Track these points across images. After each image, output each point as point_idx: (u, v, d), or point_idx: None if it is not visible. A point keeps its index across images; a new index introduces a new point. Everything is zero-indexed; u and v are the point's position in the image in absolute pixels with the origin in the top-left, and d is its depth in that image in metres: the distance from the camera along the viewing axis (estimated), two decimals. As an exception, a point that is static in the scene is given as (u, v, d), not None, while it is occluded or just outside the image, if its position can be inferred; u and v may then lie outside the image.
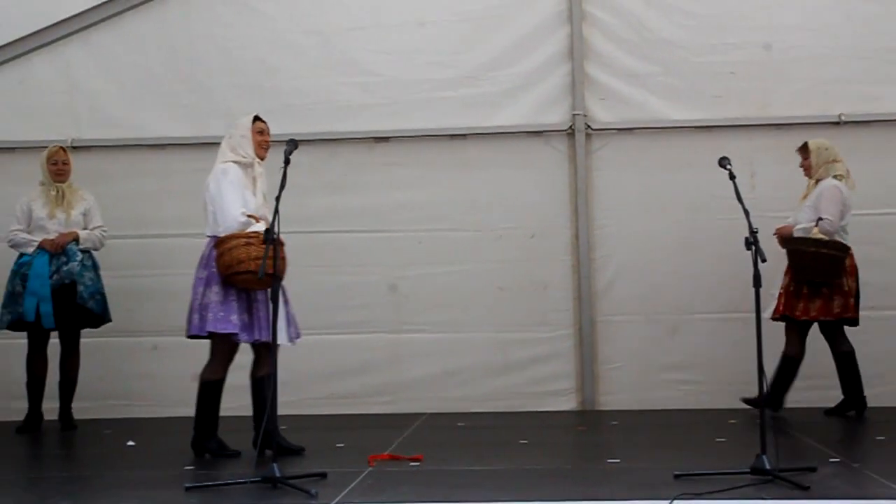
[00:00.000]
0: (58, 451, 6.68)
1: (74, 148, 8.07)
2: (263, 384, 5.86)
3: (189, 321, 5.89)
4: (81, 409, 7.66)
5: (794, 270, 7.05)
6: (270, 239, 5.22)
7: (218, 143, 7.80)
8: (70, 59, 8.18)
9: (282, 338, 5.85)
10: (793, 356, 7.11)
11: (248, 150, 6.03)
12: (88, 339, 7.68)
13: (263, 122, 6.16)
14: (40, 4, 8.13)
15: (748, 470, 4.95)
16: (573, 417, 7.55)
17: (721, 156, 5.69)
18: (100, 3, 8.11)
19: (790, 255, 7.08)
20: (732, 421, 6.82)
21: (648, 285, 7.78)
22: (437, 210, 7.97)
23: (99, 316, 7.42)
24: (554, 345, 7.84)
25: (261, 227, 5.75)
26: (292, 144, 5.50)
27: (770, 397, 6.86)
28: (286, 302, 5.97)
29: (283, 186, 5.29)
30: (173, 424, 7.43)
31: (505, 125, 7.97)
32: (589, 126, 7.91)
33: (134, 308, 7.96)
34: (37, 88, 8.18)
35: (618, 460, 5.62)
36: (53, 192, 7.43)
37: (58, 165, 7.45)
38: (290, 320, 6.03)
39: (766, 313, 6.82)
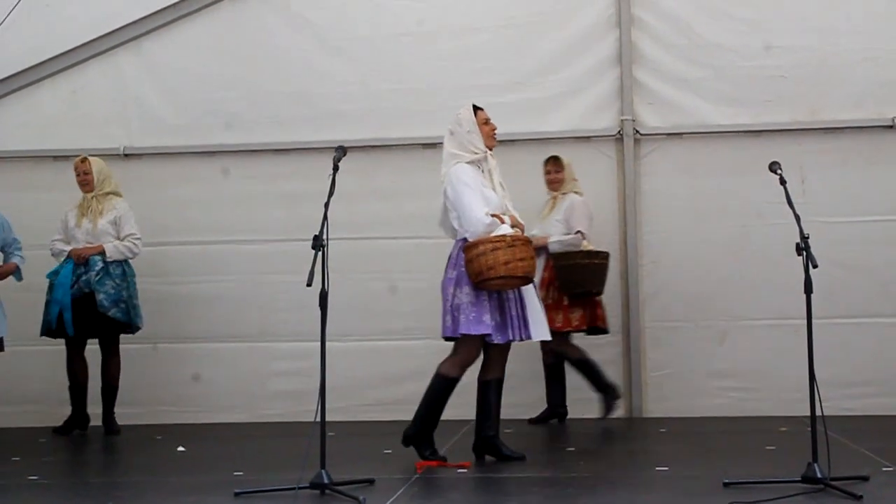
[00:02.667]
0: (108, 457, 6.76)
1: (126, 156, 8.19)
2: (490, 388, 5.91)
3: (442, 323, 5.81)
4: (134, 414, 7.78)
5: (564, 283, 7.20)
6: (319, 245, 5.22)
7: (267, 150, 8.13)
8: (122, 68, 8.30)
9: (542, 333, 5.85)
10: (580, 358, 7.40)
11: (479, 144, 5.91)
12: (138, 345, 7.80)
13: (482, 109, 6.06)
14: (93, 15, 8.24)
15: (799, 478, 4.89)
16: (621, 424, 7.51)
17: (771, 160, 5.63)
18: (151, 12, 8.22)
19: (561, 269, 7.18)
20: (783, 428, 6.75)
21: (696, 291, 7.73)
22: (486, 216, 7.94)
23: (124, 324, 7.48)
24: (602, 351, 7.77)
25: (508, 229, 5.71)
26: (341, 151, 5.51)
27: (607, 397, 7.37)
28: (539, 299, 5.92)
29: (331, 193, 5.30)
30: (222, 430, 7.52)
31: (553, 131, 7.96)
32: (637, 131, 7.88)
33: (187, 315, 8.04)
34: (90, 97, 8.30)
35: (666, 468, 5.58)
36: (82, 202, 7.54)
37: (80, 176, 7.57)
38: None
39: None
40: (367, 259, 7.95)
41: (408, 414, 7.68)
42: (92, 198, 7.58)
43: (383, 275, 8.02)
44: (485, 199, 5.76)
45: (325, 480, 4.93)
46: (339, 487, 4.93)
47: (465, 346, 5.82)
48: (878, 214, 7.60)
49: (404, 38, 8.14)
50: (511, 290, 5.76)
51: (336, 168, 5.40)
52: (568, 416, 7.55)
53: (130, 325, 7.53)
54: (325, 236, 5.21)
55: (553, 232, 7.40)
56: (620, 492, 5.03)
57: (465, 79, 8.02)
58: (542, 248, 7.30)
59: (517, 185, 7.82)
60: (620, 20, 7.90)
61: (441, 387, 5.85)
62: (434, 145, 7.98)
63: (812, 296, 5.14)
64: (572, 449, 6.32)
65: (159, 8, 8.22)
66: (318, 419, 5.00)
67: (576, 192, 7.52)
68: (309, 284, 5.08)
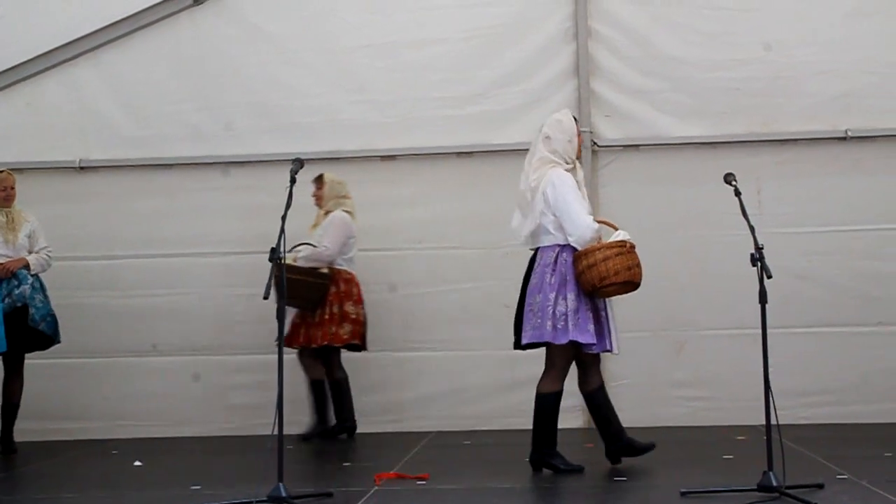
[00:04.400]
0: (63, 472, 6.66)
1: (82, 168, 8.13)
2: (599, 396, 5.91)
3: (538, 328, 5.69)
4: (89, 429, 7.72)
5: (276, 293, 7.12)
6: (276, 258, 5.21)
7: (225, 163, 8.08)
8: (79, 80, 8.23)
9: (610, 345, 5.82)
10: (339, 379, 7.49)
11: (573, 155, 5.88)
12: (101, 360, 7.77)
13: (577, 119, 6.02)
14: (49, 26, 8.17)
15: (755, 487, 4.93)
16: (581, 435, 7.52)
17: (727, 172, 5.68)
18: (109, 23, 8.16)
19: (273, 279, 7.12)
20: (740, 437, 6.80)
21: (655, 302, 7.73)
22: (444, 228, 7.97)
23: (49, 338, 7.37)
24: (561, 362, 7.81)
25: (625, 234, 5.68)
26: (298, 164, 5.49)
27: (318, 425, 7.41)
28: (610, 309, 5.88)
29: (288, 206, 5.28)
30: (180, 444, 7.46)
31: (511, 142, 7.94)
32: (595, 143, 7.92)
33: (144, 328, 7.99)
34: (45, 109, 8.23)
35: (624, 478, 5.61)
36: (3, 218, 7.44)
37: (5, 191, 7.46)
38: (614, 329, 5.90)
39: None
40: (325, 271, 7.92)
41: (367, 426, 7.76)
42: (11, 212, 7.48)
43: (342, 287, 7.99)
44: (584, 206, 5.75)
45: (283, 494, 4.90)
46: (297, 501, 4.91)
47: (559, 358, 5.79)
48: (833, 225, 7.68)
49: (364, 50, 8.13)
50: (602, 300, 5.75)
51: (293, 180, 5.38)
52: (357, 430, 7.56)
53: (54, 339, 7.41)
54: (282, 249, 5.19)
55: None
56: (579, 502, 5.04)
57: (424, 91, 8.04)
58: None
59: (475, 197, 7.96)
60: (578, 33, 7.94)
61: (550, 404, 5.83)
62: (393, 157, 8.07)
63: (768, 306, 5.20)
64: (531, 459, 6.32)
65: (117, 19, 8.16)
66: (276, 432, 4.98)
67: (345, 210, 7.55)
68: (266, 297, 5.07)
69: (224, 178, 8.09)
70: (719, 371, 7.63)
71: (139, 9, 8.15)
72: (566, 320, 5.62)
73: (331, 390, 7.51)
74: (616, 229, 5.75)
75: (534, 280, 5.77)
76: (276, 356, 5.12)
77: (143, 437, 7.76)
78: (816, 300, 7.63)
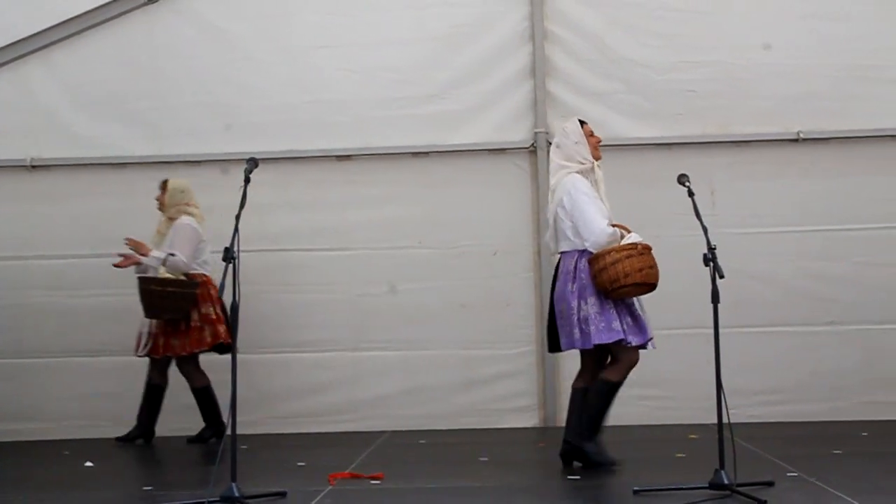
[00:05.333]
0: (10, 473, 6.59)
1: (33, 167, 8.05)
2: (579, 396, 5.95)
3: (568, 335, 5.81)
4: (40, 429, 7.64)
5: (145, 307, 7.24)
6: (230, 258, 5.17)
7: (182, 162, 8.02)
8: (30, 78, 8.14)
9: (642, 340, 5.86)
10: (159, 384, 7.45)
11: (586, 154, 6.00)
12: (52, 360, 7.68)
13: (586, 122, 6.12)
14: (-2, 24, 8.09)
15: (707, 485, 4.97)
16: (535, 434, 7.56)
17: (680, 173, 5.72)
18: (60, 21, 8.08)
19: (141, 293, 7.24)
20: (693, 436, 6.86)
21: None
22: (400, 228, 7.97)
23: None
24: (516, 362, 7.85)
25: (637, 237, 5.77)
26: (252, 163, 5.47)
27: (141, 427, 7.39)
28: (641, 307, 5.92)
29: (242, 205, 5.26)
30: (133, 445, 7.39)
31: (468, 143, 7.99)
32: (551, 143, 7.92)
33: (97, 328, 7.91)
34: (-5, 108, 8.13)
35: (578, 477, 5.63)
36: None
37: None
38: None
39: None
40: (280, 271, 7.91)
41: (321, 426, 7.75)
42: None
43: (297, 287, 7.98)
44: (599, 210, 5.83)
45: (236, 494, 4.88)
46: (250, 501, 4.89)
47: (623, 353, 5.84)
48: (785, 226, 7.76)
49: (321, 51, 8.11)
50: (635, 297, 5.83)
51: (247, 180, 5.36)
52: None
53: None
54: (236, 248, 5.17)
55: (157, 253, 7.39)
56: (531, 501, 5.07)
57: (381, 91, 8.04)
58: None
59: (432, 197, 7.97)
60: (534, 34, 7.97)
61: (606, 392, 5.89)
62: (350, 157, 8.06)
63: (720, 305, 5.27)
64: (485, 458, 6.34)
65: (69, 17, 8.08)
66: (229, 432, 4.95)
67: (189, 215, 7.51)
68: (219, 297, 5.05)
69: (179, 177, 8.00)
70: (673, 370, 7.67)
71: (91, 7, 8.07)
72: (588, 324, 5.72)
73: (198, 397, 7.42)
74: (629, 232, 5.83)
75: (558, 288, 5.89)
76: (228, 356, 5.09)
77: (94, 438, 7.67)
78: (769, 300, 7.70)
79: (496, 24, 8.05)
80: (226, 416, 5.00)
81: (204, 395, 7.40)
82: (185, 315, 7.27)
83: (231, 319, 5.17)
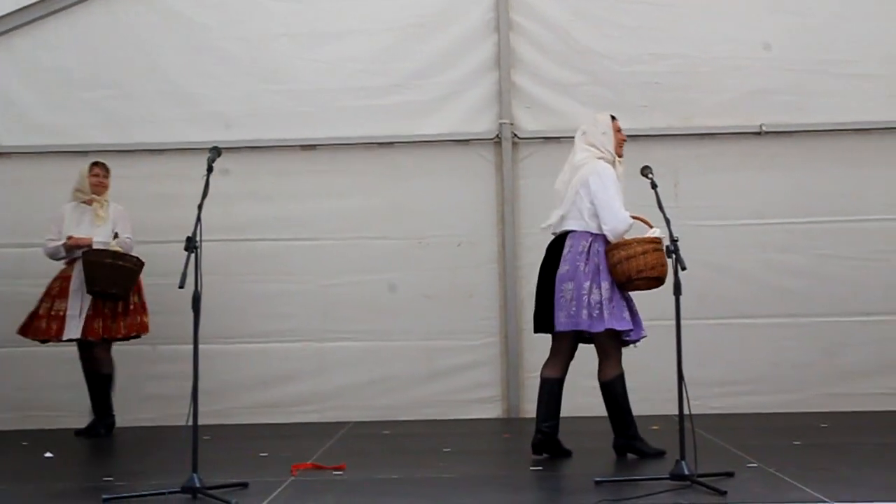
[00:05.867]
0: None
1: (-6, 154, 7.99)
2: (557, 387, 6.00)
3: (571, 316, 5.76)
4: (2, 419, 7.57)
5: (92, 281, 7.21)
6: (192, 247, 5.15)
7: (143, 150, 7.97)
8: (-11, 64, 8.07)
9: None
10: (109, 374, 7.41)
11: (610, 147, 5.98)
12: (12, 349, 7.62)
13: (616, 118, 6.12)
14: (-44, 10, 8.00)
15: (668, 476, 5.01)
16: (498, 425, 7.58)
17: (643, 165, 5.75)
18: (20, 7, 7.99)
19: (87, 266, 7.22)
20: (655, 427, 6.87)
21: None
22: (365, 218, 7.96)
23: None
24: (480, 353, 7.87)
25: (659, 232, 5.71)
26: (215, 152, 5.45)
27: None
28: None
29: (205, 194, 5.24)
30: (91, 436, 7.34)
31: (432, 133, 7.99)
32: (515, 134, 7.96)
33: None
34: (-47, 95, 8.04)
35: (540, 467, 5.65)
36: None
37: None
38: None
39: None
40: (244, 261, 7.89)
41: (285, 417, 7.73)
42: None
43: (261, 277, 7.95)
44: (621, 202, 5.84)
45: (197, 484, 4.87)
46: (211, 491, 4.87)
47: (609, 345, 5.87)
48: (747, 218, 7.81)
49: (285, 40, 8.08)
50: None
51: (210, 169, 5.35)
52: None
53: None
54: (198, 238, 5.14)
55: (100, 234, 7.34)
56: (494, 491, 5.07)
57: (346, 81, 8.02)
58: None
59: (396, 187, 7.96)
60: (499, 25, 7.97)
61: (618, 389, 5.91)
62: (314, 147, 8.03)
63: (683, 297, 5.29)
64: (448, 449, 6.35)
65: (30, 3, 7.99)
66: (191, 422, 4.94)
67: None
68: (181, 286, 5.02)
69: (140, 165, 7.98)
70: (635, 361, 7.57)
71: (51, -7, 8.01)
72: (601, 308, 5.72)
73: (102, 384, 7.38)
74: (651, 226, 5.84)
75: (564, 268, 5.84)
76: (191, 346, 5.07)
77: (54, 429, 7.62)
78: (730, 292, 7.75)
79: (461, 15, 8.05)
80: (188, 406, 4.97)
81: (108, 384, 7.35)
82: (126, 295, 7.23)
83: (193, 309, 5.14)
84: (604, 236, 5.81)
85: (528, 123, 8.00)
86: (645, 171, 5.69)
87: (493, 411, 7.84)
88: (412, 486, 5.15)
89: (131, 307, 7.32)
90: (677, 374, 5.18)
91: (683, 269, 5.28)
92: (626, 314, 5.77)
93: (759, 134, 7.88)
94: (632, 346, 5.95)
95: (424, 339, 7.89)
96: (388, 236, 7.96)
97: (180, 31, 8.07)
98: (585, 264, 5.77)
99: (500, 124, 7.95)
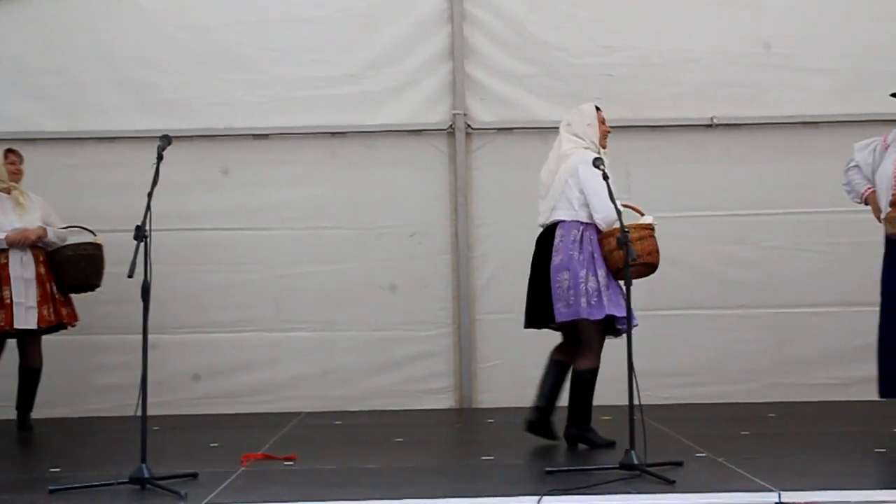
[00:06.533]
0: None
1: (-60, 141, 7.85)
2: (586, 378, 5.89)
3: (570, 305, 5.77)
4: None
5: (66, 278, 7.20)
6: (141, 236, 5.10)
7: (92, 139, 7.88)
8: (-70, 51, 7.93)
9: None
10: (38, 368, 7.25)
11: (595, 139, 6.00)
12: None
13: (601, 110, 6.12)
14: None
15: (618, 465, 5.04)
16: (451, 415, 7.60)
17: (595, 157, 5.77)
18: (-35, -8, 7.89)
19: (62, 264, 7.19)
20: (606, 417, 6.90)
21: (526, 284, 7.83)
22: (318, 208, 7.94)
23: None
24: (432, 343, 7.88)
25: (652, 218, 5.81)
26: (165, 140, 5.40)
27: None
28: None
29: (155, 183, 5.20)
30: (42, 426, 7.27)
31: (386, 124, 7.97)
32: (469, 125, 7.96)
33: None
34: None
35: (491, 457, 5.67)
36: None
37: None
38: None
39: None
40: (195, 250, 7.84)
41: (237, 407, 7.70)
42: None
43: (213, 266, 7.91)
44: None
45: (146, 475, 4.83)
46: (160, 482, 4.84)
47: (593, 336, 5.86)
48: (699, 210, 7.86)
49: (237, 28, 8.02)
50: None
51: (160, 157, 5.30)
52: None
53: None
54: (147, 227, 5.10)
55: (30, 224, 7.19)
56: (445, 481, 5.08)
57: (298, 70, 7.98)
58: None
59: (349, 177, 7.94)
60: (453, 15, 7.96)
61: (588, 381, 5.90)
62: (267, 136, 7.98)
63: (634, 288, 5.33)
64: (400, 439, 6.36)
65: (-26, -12, 7.90)
66: (139, 413, 4.90)
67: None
68: (130, 275, 4.97)
69: (90, 154, 7.90)
70: (588, 352, 7.73)
71: (-3, -21, 7.90)
72: (599, 296, 5.73)
73: (30, 378, 7.22)
74: (642, 214, 5.88)
75: (557, 258, 5.86)
76: (140, 336, 5.04)
77: (2, 419, 7.52)
78: (681, 283, 7.80)
79: (415, 5, 8.03)
80: (137, 396, 4.94)
81: (37, 379, 7.21)
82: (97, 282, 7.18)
83: (143, 299, 5.10)
84: (594, 225, 5.84)
85: (482, 114, 8.00)
86: (596, 162, 5.70)
87: (445, 402, 7.85)
88: (363, 477, 5.15)
89: (61, 297, 7.21)
90: (627, 365, 5.20)
91: (634, 259, 5.33)
92: (623, 301, 5.75)
93: (710, 126, 7.94)
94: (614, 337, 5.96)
95: (377, 330, 7.88)
96: (341, 226, 7.94)
97: (131, 18, 7.98)
98: (580, 253, 5.79)
99: (454, 115, 7.95)
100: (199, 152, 7.86)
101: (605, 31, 8.00)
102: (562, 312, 5.81)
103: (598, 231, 5.83)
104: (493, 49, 8.02)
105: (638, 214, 5.90)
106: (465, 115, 7.94)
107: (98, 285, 7.25)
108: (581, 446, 5.91)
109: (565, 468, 5.11)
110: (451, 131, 7.97)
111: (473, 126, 7.97)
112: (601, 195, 5.69)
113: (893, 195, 6.00)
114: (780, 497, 4.45)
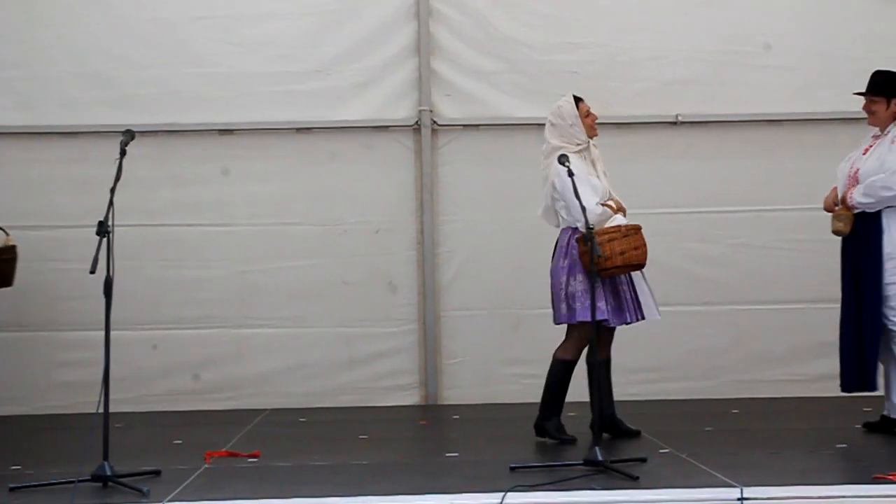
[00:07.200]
0: None
1: None
2: (598, 369, 5.94)
3: (556, 309, 5.96)
4: None
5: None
6: (104, 232, 5.06)
7: (55, 133, 7.81)
8: None
9: (654, 313, 6.10)
10: None
11: (581, 136, 6.05)
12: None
13: (583, 100, 6.12)
14: None
15: (582, 462, 5.05)
16: (416, 412, 7.59)
17: (561, 153, 5.78)
18: (-73, -17, 7.80)
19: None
20: (571, 414, 6.92)
21: (492, 280, 7.88)
22: (283, 204, 7.90)
23: None
24: (398, 340, 7.87)
25: (621, 219, 5.91)
26: (128, 135, 5.37)
27: None
28: (645, 280, 6.08)
29: (118, 178, 5.18)
30: (4, 424, 7.22)
31: (351, 119, 7.95)
32: (435, 122, 7.95)
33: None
34: None
35: (456, 454, 5.68)
36: None
37: None
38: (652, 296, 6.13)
39: None
40: (159, 246, 7.78)
41: (202, 404, 7.66)
42: None
43: (178, 262, 7.85)
44: (592, 188, 5.87)
45: (108, 472, 4.80)
46: (123, 479, 4.81)
47: (578, 331, 5.96)
48: (663, 207, 7.87)
49: (203, 22, 7.97)
50: (624, 276, 5.96)
51: (123, 153, 5.27)
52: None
53: None
54: (110, 222, 5.06)
55: None
56: (409, 478, 5.08)
57: (264, 65, 7.93)
58: None
59: (315, 173, 7.91)
60: (419, 11, 7.94)
61: (560, 370, 6.05)
62: (232, 131, 7.94)
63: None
64: (365, 436, 6.35)
65: (-64, -20, 7.81)
66: (101, 410, 4.87)
67: None
68: (92, 271, 4.94)
69: (54, 148, 7.82)
70: (553, 349, 7.73)
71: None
72: (575, 300, 5.86)
73: None
74: (617, 212, 5.99)
75: (552, 265, 6.03)
76: (102, 333, 5.00)
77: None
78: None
79: (381, 2, 8.00)
80: (99, 392, 4.90)
81: None
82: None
83: (105, 295, 5.06)
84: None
85: (448, 110, 7.99)
86: (562, 159, 5.72)
87: (410, 398, 7.85)
88: (327, 473, 5.14)
89: None
90: (587, 362, 5.24)
91: (599, 256, 5.36)
92: (602, 303, 5.83)
93: (675, 124, 7.98)
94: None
95: (342, 326, 7.86)
96: (307, 222, 7.91)
97: (96, 12, 7.91)
98: (564, 258, 5.94)
99: (420, 111, 7.93)
100: (164, 148, 7.80)
101: (571, 28, 8.01)
102: (553, 316, 6.01)
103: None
104: (459, 45, 8.01)
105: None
106: (431, 111, 7.92)
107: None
108: (550, 441, 5.91)
109: (529, 464, 5.11)
110: (416, 127, 7.96)
111: (439, 122, 7.96)
112: (577, 205, 5.71)
113: (842, 194, 6.10)
114: (742, 493, 4.48)
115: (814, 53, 7.96)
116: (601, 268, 5.69)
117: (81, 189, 7.58)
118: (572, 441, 5.93)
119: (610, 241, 5.77)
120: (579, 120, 6.07)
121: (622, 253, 5.79)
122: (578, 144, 6.04)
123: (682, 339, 7.85)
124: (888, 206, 5.95)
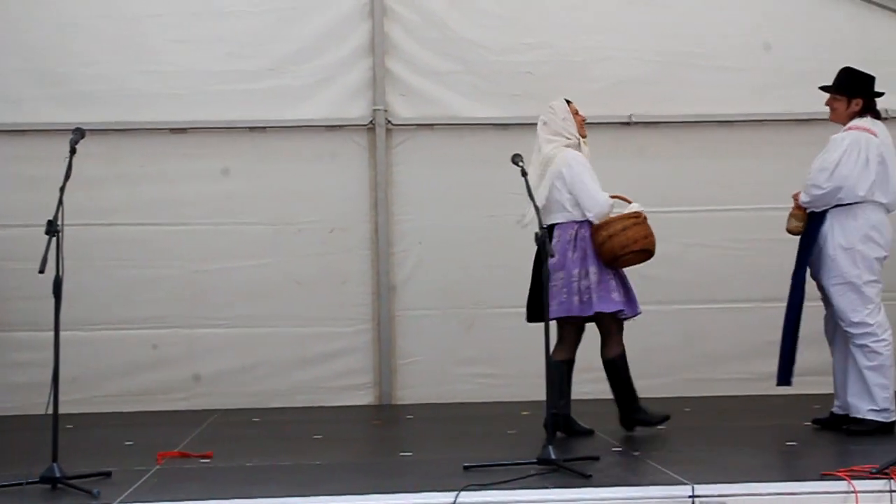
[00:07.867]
0: None
1: None
2: (618, 364, 6.08)
3: (565, 304, 5.92)
4: None
5: None
6: (53, 231, 5.00)
7: (4, 131, 7.72)
8: None
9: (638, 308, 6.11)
10: None
11: (573, 131, 6.14)
12: None
13: (572, 102, 6.27)
14: None
15: (535, 460, 5.07)
16: (370, 412, 7.58)
17: (514, 153, 5.79)
18: None
19: None
20: (525, 413, 6.98)
21: (446, 280, 7.88)
22: (236, 203, 7.86)
23: None
24: (352, 339, 7.85)
25: (637, 206, 6.03)
26: (78, 133, 5.31)
27: None
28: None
29: (67, 177, 5.11)
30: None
31: (305, 118, 7.92)
32: (389, 121, 7.94)
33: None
34: None
35: (410, 453, 5.67)
36: None
37: None
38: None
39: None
40: (110, 246, 7.71)
41: (154, 404, 7.60)
42: None
43: (129, 262, 7.78)
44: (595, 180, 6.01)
45: (57, 474, 4.75)
46: (73, 481, 4.75)
47: (610, 324, 6.04)
48: (617, 207, 7.86)
49: (153, 19, 7.91)
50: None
51: (73, 151, 5.21)
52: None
53: None
54: (60, 221, 5.01)
55: None
56: (362, 478, 5.07)
57: (217, 63, 7.89)
58: None
59: (269, 172, 7.87)
60: (373, 11, 7.93)
61: (622, 365, 6.09)
62: (184, 130, 7.88)
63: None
64: (319, 436, 6.33)
65: None
66: (51, 411, 4.81)
67: None
68: (41, 271, 4.88)
69: (1, 147, 7.72)
70: (507, 348, 7.77)
71: None
72: (591, 293, 5.90)
73: None
74: (629, 202, 6.06)
75: (550, 260, 5.81)
76: (52, 333, 4.94)
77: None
78: (599, 279, 7.86)
79: (336, 0, 7.98)
80: (49, 393, 4.84)
81: None
82: None
83: (55, 295, 5.00)
84: (588, 222, 6.00)
85: (402, 110, 7.98)
86: (515, 159, 5.72)
87: (365, 398, 7.84)
88: (281, 474, 5.11)
89: None
90: (545, 361, 5.24)
91: (552, 256, 5.39)
92: (616, 294, 5.94)
93: (627, 124, 8.03)
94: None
95: (296, 326, 7.83)
96: (260, 221, 7.88)
97: (45, 7, 7.82)
98: (573, 252, 5.97)
99: (374, 111, 7.92)
100: (115, 146, 7.73)
101: (525, 29, 8.04)
102: (554, 310, 5.91)
103: (592, 227, 6.00)
104: (413, 45, 8.01)
105: (626, 203, 6.10)
106: (385, 110, 7.92)
107: None
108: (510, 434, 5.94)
109: (483, 464, 5.11)
110: (371, 127, 7.94)
111: (394, 122, 7.96)
112: (589, 192, 5.94)
113: (794, 193, 6.18)
114: (693, 490, 4.51)
115: (764, 55, 8.04)
116: (622, 254, 5.86)
117: (30, 188, 7.48)
118: (667, 417, 6.13)
119: (635, 225, 5.94)
120: (571, 115, 6.21)
121: (645, 237, 5.98)
122: (569, 139, 6.14)
123: (635, 337, 7.80)
124: (835, 206, 6.00)
